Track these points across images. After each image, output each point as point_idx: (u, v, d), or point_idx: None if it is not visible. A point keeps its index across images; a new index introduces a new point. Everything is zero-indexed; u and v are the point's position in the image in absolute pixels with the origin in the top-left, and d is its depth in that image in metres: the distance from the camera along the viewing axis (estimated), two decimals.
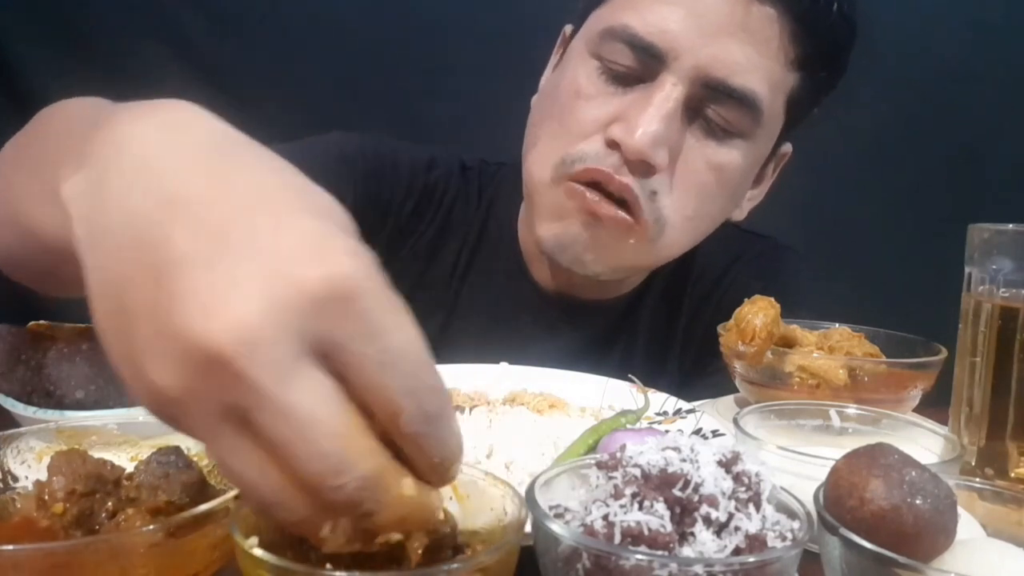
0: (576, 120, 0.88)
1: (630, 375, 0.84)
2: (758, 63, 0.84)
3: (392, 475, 0.35)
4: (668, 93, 0.83)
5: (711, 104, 0.85)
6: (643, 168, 0.85)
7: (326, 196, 0.38)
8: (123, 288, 0.35)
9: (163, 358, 0.33)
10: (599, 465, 0.48)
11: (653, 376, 0.86)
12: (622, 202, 0.87)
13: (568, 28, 1.00)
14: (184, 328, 0.32)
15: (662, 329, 1.11)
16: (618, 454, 0.47)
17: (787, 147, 1.02)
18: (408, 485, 0.37)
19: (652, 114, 0.82)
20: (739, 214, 1.02)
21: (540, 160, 0.92)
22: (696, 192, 0.89)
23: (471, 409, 0.76)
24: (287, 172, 0.38)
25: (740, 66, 0.83)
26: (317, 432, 0.33)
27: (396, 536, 0.38)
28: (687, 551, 0.42)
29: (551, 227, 0.92)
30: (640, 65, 0.85)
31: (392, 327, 0.34)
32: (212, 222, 0.34)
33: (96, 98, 0.60)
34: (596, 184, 0.87)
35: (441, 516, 0.42)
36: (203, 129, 0.40)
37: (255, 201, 0.35)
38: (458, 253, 1.08)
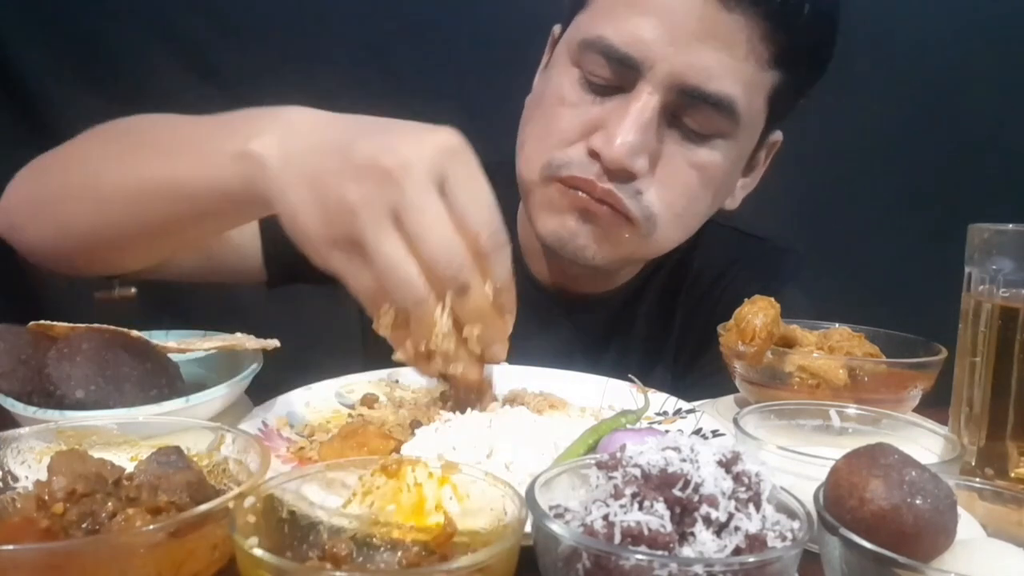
0: (559, 127, 0.91)
1: (630, 375, 0.84)
2: (732, 67, 0.85)
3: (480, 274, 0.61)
4: (645, 102, 0.85)
5: (688, 109, 0.87)
6: (624, 175, 0.88)
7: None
8: (319, 174, 0.61)
9: (352, 182, 0.60)
10: (599, 465, 0.48)
11: (648, 375, 0.86)
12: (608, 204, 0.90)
13: (557, 29, 1.01)
14: (368, 158, 0.60)
15: (658, 329, 1.12)
16: (618, 454, 0.47)
17: (777, 135, 1.03)
18: (488, 287, 0.62)
19: (629, 125, 0.85)
20: (732, 203, 1.04)
21: (528, 162, 0.95)
22: (682, 191, 0.92)
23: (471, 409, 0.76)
24: (375, 124, 0.66)
25: (714, 72, 0.84)
26: (442, 228, 0.59)
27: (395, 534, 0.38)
28: (687, 551, 0.42)
29: (548, 222, 0.94)
30: (617, 75, 0.87)
31: (480, 175, 0.63)
32: (373, 130, 0.64)
33: (150, 115, 0.84)
34: (582, 189, 0.90)
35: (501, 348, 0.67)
36: (325, 114, 0.68)
37: (392, 124, 0.65)
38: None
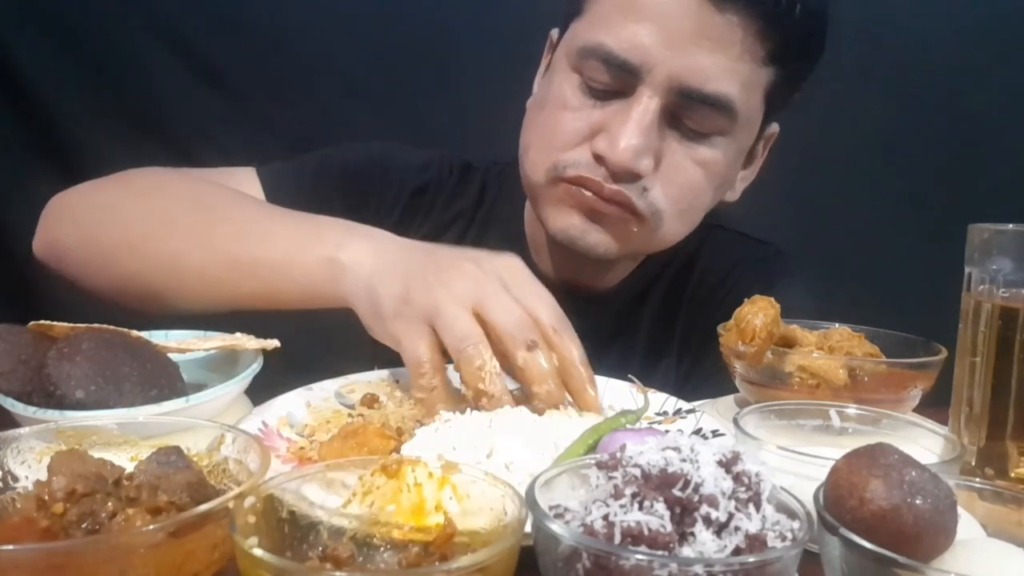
0: (562, 132, 0.93)
1: (630, 375, 0.84)
2: (728, 67, 0.87)
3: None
4: (646, 106, 0.87)
5: (687, 110, 0.89)
6: (629, 176, 0.90)
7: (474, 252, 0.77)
8: (417, 284, 0.73)
9: (434, 276, 0.72)
10: (599, 465, 0.48)
11: (651, 374, 0.87)
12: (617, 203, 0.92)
13: (554, 33, 1.03)
14: (449, 264, 0.74)
15: (662, 329, 1.13)
16: (618, 454, 0.47)
17: (774, 127, 1.04)
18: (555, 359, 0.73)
19: (632, 128, 0.87)
20: (732, 195, 1.06)
21: (533, 166, 0.97)
22: (686, 187, 0.94)
23: (471, 409, 0.76)
24: (450, 249, 0.79)
25: (711, 73, 0.86)
26: (514, 308, 0.71)
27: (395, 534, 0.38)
28: (687, 551, 0.42)
29: (558, 220, 0.97)
30: (617, 80, 0.89)
31: (538, 282, 0.76)
32: (432, 268, 0.74)
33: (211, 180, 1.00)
34: (590, 190, 0.92)
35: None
36: (400, 240, 0.81)
37: (448, 259, 0.76)
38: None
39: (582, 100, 0.92)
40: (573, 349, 0.73)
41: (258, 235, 0.86)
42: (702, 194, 0.96)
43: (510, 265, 0.75)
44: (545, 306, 0.73)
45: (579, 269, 1.08)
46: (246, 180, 1.05)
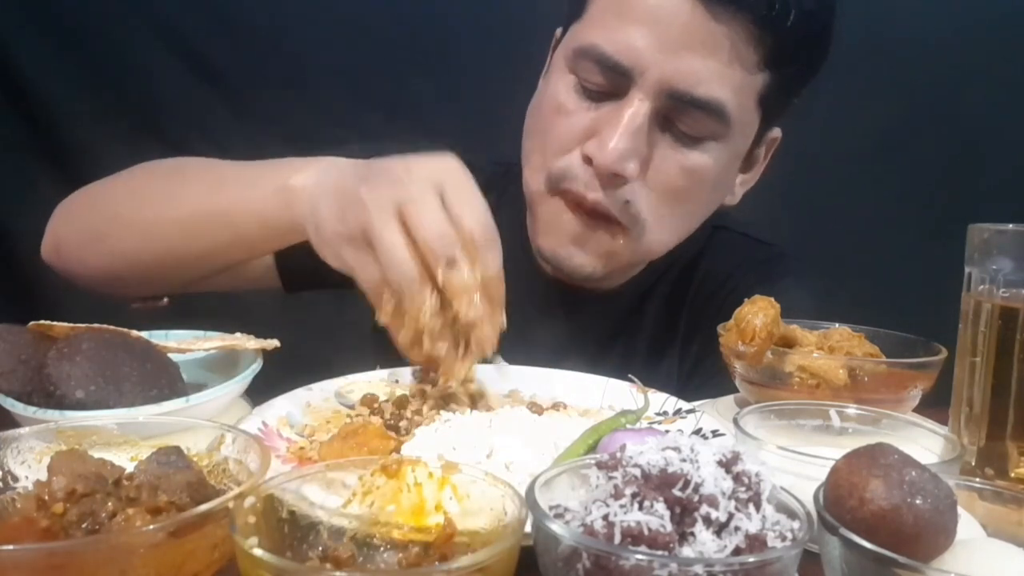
0: (557, 135, 0.94)
1: (630, 375, 0.84)
2: (720, 72, 0.87)
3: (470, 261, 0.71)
4: (636, 109, 0.88)
5: (679, 114, 0.89)
6: (615, 180, 0.90)
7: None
8: (341, 186, 0.75)
9: (364, 186, 0.71)
10: (599, 465, 0.48)
11: (652, 374, 0.87)
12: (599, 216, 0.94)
13: (559, 32, 1.02)
14: (380, 170, 0.74)
15: (664, 329, 1.13)
16: (618, 454, 0.47)
17: (776, 132, 1.04)
18: (477, 272, 0.71)
19: (621, 131, 0.88)
20: (732, 199, 1.06)
21: (533, 174, 0.98)
22: (670, 195, 0.94)
23: (471, 409, 0.76)
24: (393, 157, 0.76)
25: (702, 77, 0.86)
26: (436, 216, 0.70)
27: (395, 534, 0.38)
28: (687, 551, 0.42)
29: (548, 240, 0.98)
30: (610, 82, 0.89)
31: (474, 187, 0.74)
32: (364, 176, 0.74)
33: (193, 157, 0.99)
34: (574, 202, 0.94)
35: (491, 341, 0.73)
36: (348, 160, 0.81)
37: (382, 164, 0.75)
38: None
39: (577, 102, 0.92)
40: (491, 265, 0.72)
41: (223, 183, 0.89)
42: (687, 201, 0.96)
43: (444, 167, 0.74)
44: (473, 214, 0.72)
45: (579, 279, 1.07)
46: None
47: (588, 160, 0.90)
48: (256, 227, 0.84)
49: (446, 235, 0.70)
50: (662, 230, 0.97)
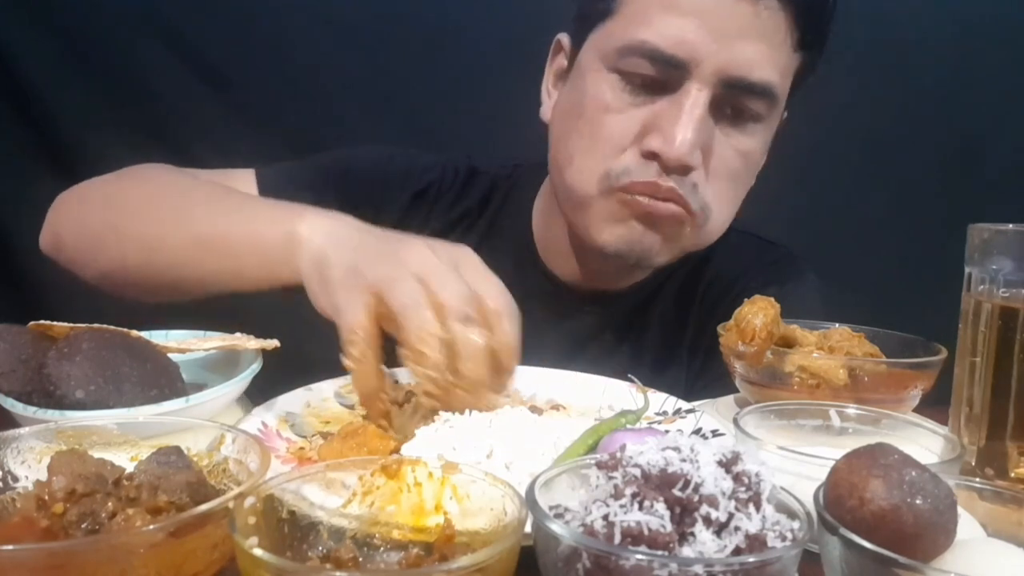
0: (609, 134, 0.93)
1: (630, 375, 0.84)
2: (769, 55, 0.89)
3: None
4: (696, 99, 0.88)
5: (733, 100, 0.91)
6: (683, 170, 0.91)
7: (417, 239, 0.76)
8: (367, 254, 0.74)
9: (396, 251, 0.73)
10: (599, 465, 0.48)
11: (660, 375, 0.87)
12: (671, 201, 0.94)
13: (563, 38, 1.02)
14: (395, 251, 0.73)
15: (672, 330, 1.13)
16: (618, 454, 0.47)
17: (785, 113, 1.05)
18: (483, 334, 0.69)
19: (685, 122, 0.88)
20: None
21: (581, 176, 0.96)
22: (731, 178, 0.96)
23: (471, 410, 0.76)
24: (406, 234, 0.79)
25: (756, 62, 0.88)
26: (458, 284, 0.70)
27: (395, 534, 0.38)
28: (687, 551, 0.42)
29: (613, 231, 0.96)
30: (663, 76, 0.89)
31: (487, 268, 0.74)
32: (384, 244, 0.75)
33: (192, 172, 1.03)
34: (645, 194, 0.92)
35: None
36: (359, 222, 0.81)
37: (401, 239, 0.76)
38: None
39: (624, 100, 0.92)
40: (508, 332, 0.71)
41: (228, 215, 0.89)
42: (743, 184, 0.99)
43: (464, 252, 0.75)
44: (492, 288, 0.72)
45: (598, 273, 1.08)
46: (243, 181, 1.06)
47: (650, 155, 0.90)
48: (255, 267, 0.84)
49: (465, 296, 0.69)
50: (723, 214, 0.98)
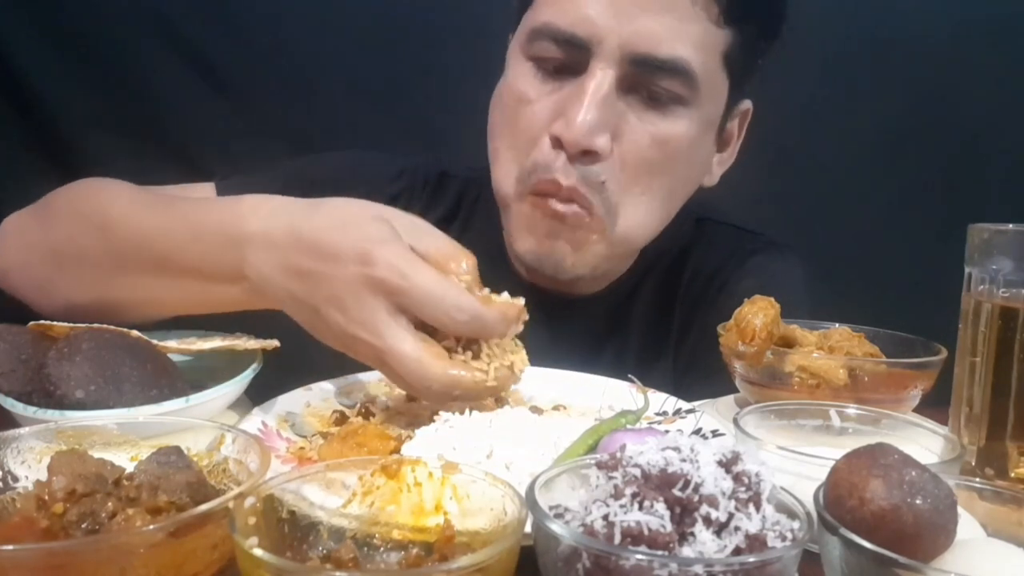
0: (525, 126, 0.91)
1: (629, 375, 0.84)
2: (680, 29, 0.85)
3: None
4: (600, 80, 0.85)
5: (644, 80, 0.87)
6: (588, 158, 0.88)
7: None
8: (306, 286, 0.70)
9: (339, 277, 0.67)
10: (599, 465, 0.48)
11: (646, 374, 0.86)
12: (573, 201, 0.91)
13: (511, 36, 1.01)
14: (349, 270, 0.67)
15: (656, 327, 1.11)
16: (618, 454, 0.47)
17: (747, 104, 1.02)
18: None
19: (587, 103, 0.85)
20: (710, 180, 1.04)
21: (504, 175, 0.95)
22: (644, 169, 0.91)
23: (471, 410, 0.76)
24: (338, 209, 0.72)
25: (662, 36, 0.85)
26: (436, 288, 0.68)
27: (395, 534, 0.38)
28: (687, 551, 0.42)
29: (527, 242, 0.95)
30: (569, 58, 0.88)
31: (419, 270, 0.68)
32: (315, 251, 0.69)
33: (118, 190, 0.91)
34: (548, 194, 0.90)
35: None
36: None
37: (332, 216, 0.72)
38: None
39: (538, 88, 0.90)
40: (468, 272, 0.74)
41: (169, 241, 0.80)
42: (661, 175, 0.93)
43: (387, 230, 0.70)
44: (444, 243, 0.74)
45: (562, 283, 1.04)
46: (202, 195, 1.01)
47: (558, 142, 0.88)
48: (196, 280, 0.78)
49: (457, 310, 0.69)
50: (637, 212, 0.94)
